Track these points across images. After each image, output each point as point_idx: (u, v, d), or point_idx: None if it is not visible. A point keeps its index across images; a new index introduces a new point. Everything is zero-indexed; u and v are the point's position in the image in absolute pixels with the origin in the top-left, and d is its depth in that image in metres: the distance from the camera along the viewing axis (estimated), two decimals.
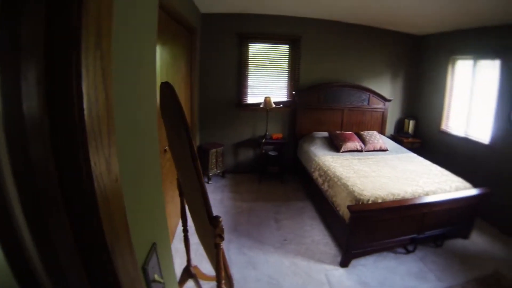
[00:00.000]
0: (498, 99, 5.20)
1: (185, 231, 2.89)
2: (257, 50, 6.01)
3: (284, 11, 5.61)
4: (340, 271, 3.63)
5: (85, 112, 0.67)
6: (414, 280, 3.59)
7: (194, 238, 3.06)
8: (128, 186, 0.99)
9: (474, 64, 5.69)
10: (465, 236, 4.56)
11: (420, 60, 7.04)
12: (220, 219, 2.10)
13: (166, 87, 1.83)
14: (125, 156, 0.98)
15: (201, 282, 2.98)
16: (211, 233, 2.12)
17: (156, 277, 1.24)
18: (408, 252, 4.09)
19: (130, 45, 1.06)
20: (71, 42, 0.64)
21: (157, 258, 1.28)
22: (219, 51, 5.67)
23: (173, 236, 3.95)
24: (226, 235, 3.96)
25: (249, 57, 5.91)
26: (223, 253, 2.32)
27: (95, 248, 0.77)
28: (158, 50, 3.08)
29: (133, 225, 0.96)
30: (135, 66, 1.12)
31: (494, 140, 5.28)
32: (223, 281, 2.37)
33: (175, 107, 1.67)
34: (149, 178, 1.33)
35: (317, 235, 4.34)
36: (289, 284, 3.33)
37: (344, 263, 3.71)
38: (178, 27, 4.19)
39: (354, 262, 3.77)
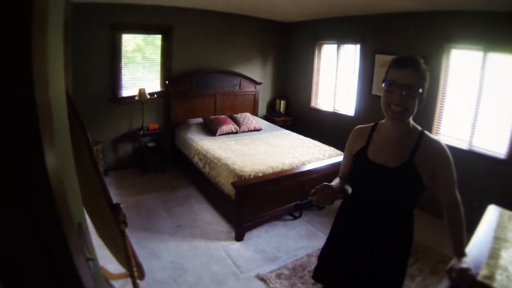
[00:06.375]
0: (359, 78, 6.02)
1: None
2: (130, 42, 5.80)
3: (157, 1, 5.50)
4: (237, 244, 3.92)
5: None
6: (305, 240, 4.07)
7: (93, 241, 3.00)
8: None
9: (338, 48, 6.50)
10: None
11: (289, 45, 7.69)
12: (121, 206, 2.14)
13: None
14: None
15: (111, 282, 2.94)
16: (114, 223, 2.15)
17: (87, 253, 1.29)
18: (295, 218, 4.57)
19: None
20: None
21: (84, 237, 1.33)
22: (92, 44, 5.27)
23: None
24: None
25: (122, 49, 5.65)
26: (129, 241, 2.36)
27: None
28: None
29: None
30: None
31: (357, 112, 6.10)
32: (134, 269, 2.42)
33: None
34: (69, 167, 1.37)
35: (207, 216, 4.55)
36: (193, 265, 3.49)
37: (239, 237, 4.00)
38: None
39: (248, 235, 4.08)
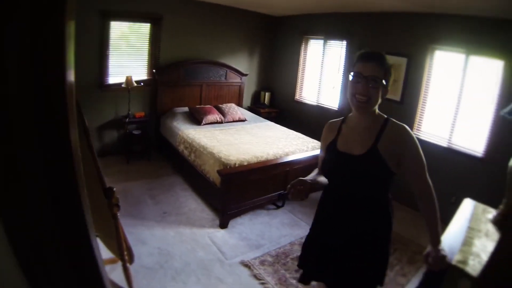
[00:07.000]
0: (344, 73, 6.14)
1: None
2: (118, 29, 5.74)
3: None
4: (222, 232, 4.01)
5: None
6: (288, 229, 4.18)
7: None
8: None
9: (325, 44, 6.60)
10: None
11: (276, 38, 7.76)
12: (114, 189, 2.20)
13: None
14: None
15: None
16: (107, 206, 2.20)
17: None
18: (278, 207, 4.69)
19: None
20: None
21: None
22: (80, 30, 5.08)
23: None
24: None
25: (110, 36, 5.60)
26: (121, 224, 2.42)
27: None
28: None
29: None
30: None
31: (341, 106, 6.22)
32: (125, 253, 2.48)
33: None
34: None
35: (192, 204, 4.62)
36: (179, 251, 3.56)
37: (223, 225, 4.09)
38: None
39: (232, 223, 4.18)
